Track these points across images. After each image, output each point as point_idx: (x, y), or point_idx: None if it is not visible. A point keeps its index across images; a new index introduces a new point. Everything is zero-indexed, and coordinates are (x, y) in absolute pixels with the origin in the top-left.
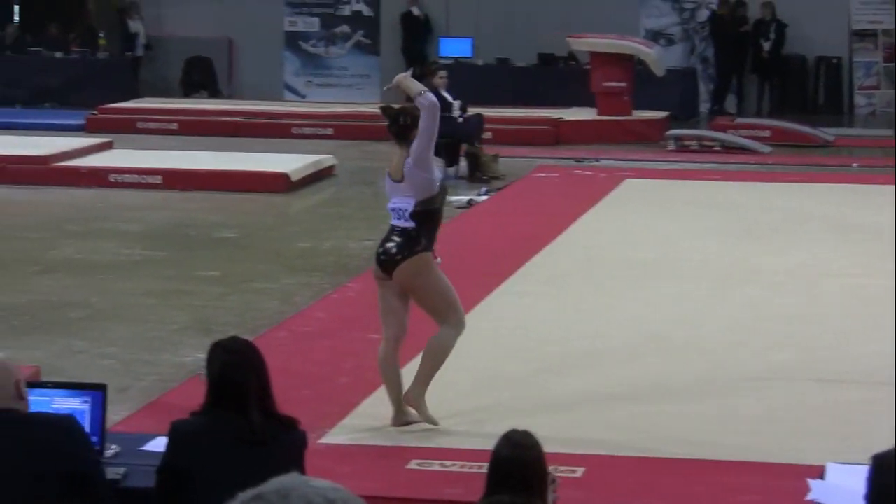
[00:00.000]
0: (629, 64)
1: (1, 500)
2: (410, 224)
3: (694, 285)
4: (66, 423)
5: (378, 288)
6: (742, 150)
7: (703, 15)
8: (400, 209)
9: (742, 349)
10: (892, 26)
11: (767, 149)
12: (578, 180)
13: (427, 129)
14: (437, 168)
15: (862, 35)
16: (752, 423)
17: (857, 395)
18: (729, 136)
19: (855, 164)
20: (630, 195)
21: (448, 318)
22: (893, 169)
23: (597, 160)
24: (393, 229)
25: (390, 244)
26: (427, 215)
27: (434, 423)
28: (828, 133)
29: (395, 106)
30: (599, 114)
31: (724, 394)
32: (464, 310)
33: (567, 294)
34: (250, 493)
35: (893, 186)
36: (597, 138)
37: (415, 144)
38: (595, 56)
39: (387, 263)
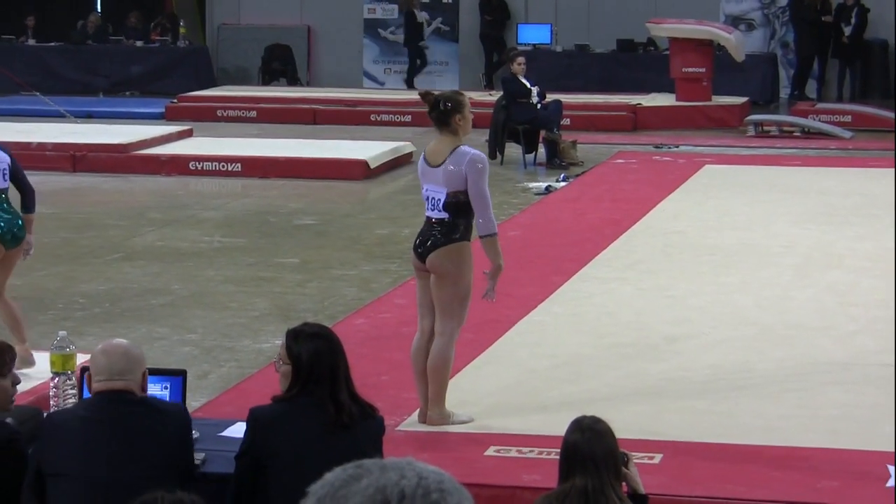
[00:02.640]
0: (708, 49)
1: (115, 480)
2: (445, 215)
3: (777, 271)
4: (179, 411)
5: (416, 279)
6: (823, 135)
7: (784, 0)
8: (434, 199)
9: (826, 335)
10: None
11: (849, 134)
12: (657, 166)
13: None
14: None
15: None
16: (835, 409)
17: None
18: (810, 122)
19: None
20: (709, 181)
21: (450, 321)
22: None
23: (676, 146)
24: (429, 220)
25: (422, 235)
26: (460, 206)
27: (469, 419)
28: None
29: (435, 91)
30: (678, 99)
31: (807, 379)
32: (541, 297)
33: (647, 280)
34: (353, 463)
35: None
36: (676, 124)
37: (476, 197)
38: (674, 41)
39: (422, 253)
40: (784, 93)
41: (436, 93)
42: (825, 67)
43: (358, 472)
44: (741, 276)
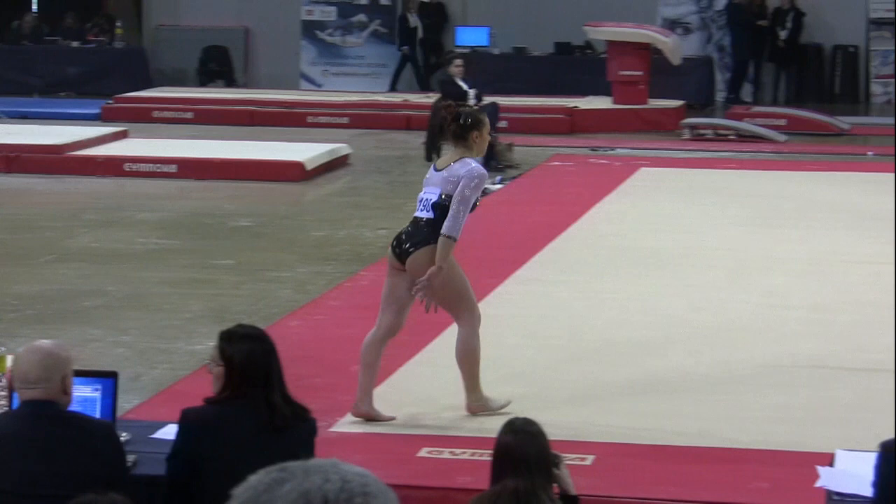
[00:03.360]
0: (646, 52)
1: (31, 491)
2: (430, 214)
3: (712, 274)
4: (105, 430)
5: (387, 276)
6: (758, 138)
7: (721, 3)
8: (426, 199)
9: (762, 337)
10: None
11: (783, 137)
12: (593, 169)
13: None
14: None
15: (879, 23)
16: (768, 411)
17: (874, 384)
18: (745, 125)
19: (870, 153)
20: (645, 184)
21: (461, 313)
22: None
23: (612, 149)
24: (416, 221)
25: (405, 234)
26: (447, 209)
27: (507, 403)
28: (844, 122)
29: (462, 109)
30: (615, 102)
31: (742, 381)
32: (477, 299)
33: (582, 282)
34: (277, 466)
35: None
36: (612, 127)
37: (456, 199)
38: (612, 45)
39: (401, 253)
40: (720, 96)
41: (459, 108)
42: (761, 71)
43: (281, 476)
44: (677, 279)
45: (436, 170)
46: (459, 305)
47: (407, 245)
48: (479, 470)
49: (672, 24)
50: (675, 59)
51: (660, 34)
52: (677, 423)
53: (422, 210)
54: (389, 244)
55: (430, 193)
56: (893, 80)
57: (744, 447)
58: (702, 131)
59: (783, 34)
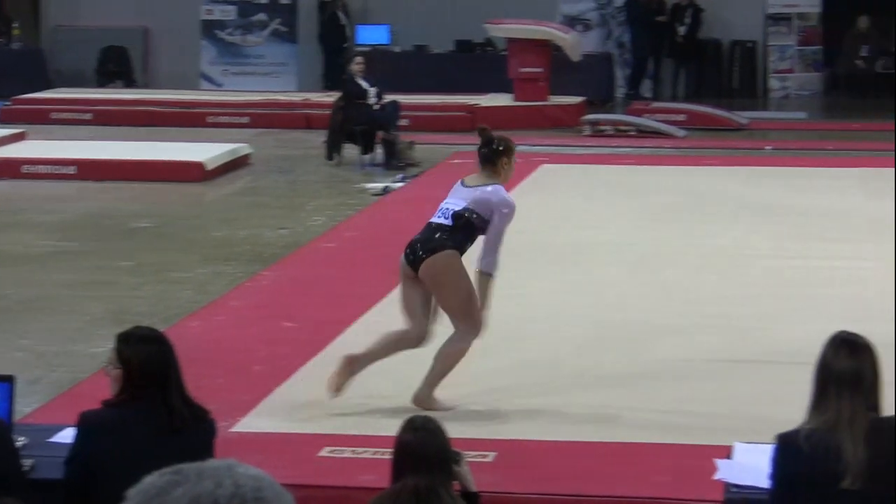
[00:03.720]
0: (546, 49)
1: None
2: (448, 222)
3: (614, 269)
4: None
5: (402, 285)
6: (657, 134)
7: (620, 0)
8: (449, 209)
9: (664, 331)
10: (807, 10)
11: (682, 133)
12: None
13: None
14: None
15: (777, 19)
16: (669, 405)
17: (772, 376)
18: (644, 121)
19: (768, 147)
20: (546, 180)
21: (465, 321)
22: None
23: None
24: (429, 225)
25: (418, 242)
26: (466, 223)
27: (452, 407)
28: (742, 116)
29: (492, 131)
30: (516, 99)
31: (643, 376)
32: (378, 299)
33: None
34: (171, 468)
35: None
36: (513, 124)
37: (494, 235)
38: (512, 42)
39: (414, 260)
40: (620, 92)
41: (491, 132)
42: (660, 67)
43: (175, 479)
44: (580, 275)
45: (463, 185)
46: (463, 313)
47: (421, 252)
48: (381, 468)
49: (572, 21)
50: (575, 56)
51: (559, 31)
52: (578, 419)
53: (440, 216)
54: (402, 253)
55: (454, 203)
56: (790, 74)
57: (644, 441)
58: (602, 127)
59: (682, 30)
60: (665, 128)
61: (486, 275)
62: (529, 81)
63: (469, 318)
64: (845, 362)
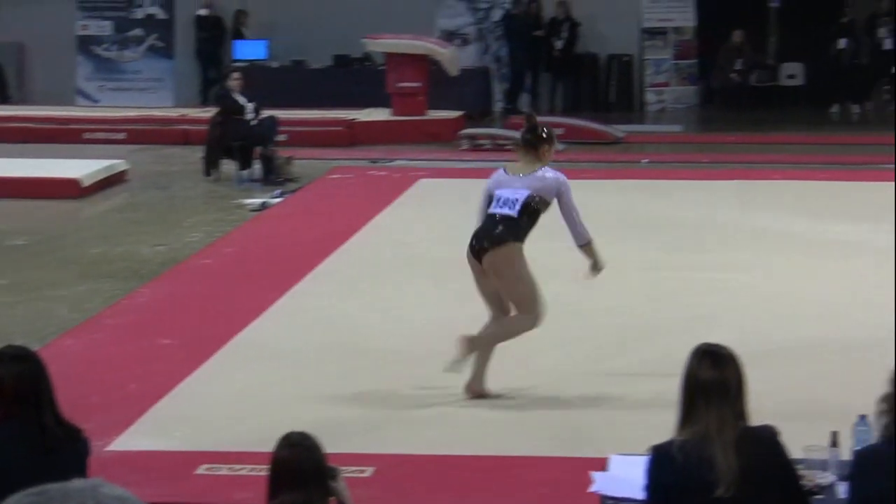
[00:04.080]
0: (424, 64)
1: None
2: (514, 212)
3: None
4: None
5: (474, 275)
6: None
7: (497, 15)
8: (509, 199)
9: (538, 345)
10: (682, 24)
11: (560, 146)
12: (372, 181)
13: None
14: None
15: (652, 33)
16: (544, 419)
17: (645, 388)
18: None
19: (645, 160)
20: (424, 195)
21: (529, 310)
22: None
23: (391, 160)
24: (492, 217)
25: (481, 232)
26: (533, 211)
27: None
28: (619, 130)
29: (537, 122)
30: (394, 114)
31: (519, 390)
32: (254, 316)
33: (363, 293)
34: (36, 489)
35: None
36: (392, 138)
37: (568, 205)
38: (390, 56)
39: (479, 250)
40: (498, 106)
41: (537, 119)
42: (538, 81)
43: (38, 501)
44: (458, 289)
45: (511, 174)
46: (530, 302)
47: (485, 244)
48: (258, 485)
49: (450, 36)
50: (453, 70)
51: (437, 46)
52: (457, 432)
53: (502, 207)
54: (468, 246)
55: (515, 193)
56: (666, 88)
57: (522, 454)
58: (480, 141)
59: (559, 44)
60: None
61: (586, 244)
62: (407, 96)
63: (531, 308)
64: (710, 373)
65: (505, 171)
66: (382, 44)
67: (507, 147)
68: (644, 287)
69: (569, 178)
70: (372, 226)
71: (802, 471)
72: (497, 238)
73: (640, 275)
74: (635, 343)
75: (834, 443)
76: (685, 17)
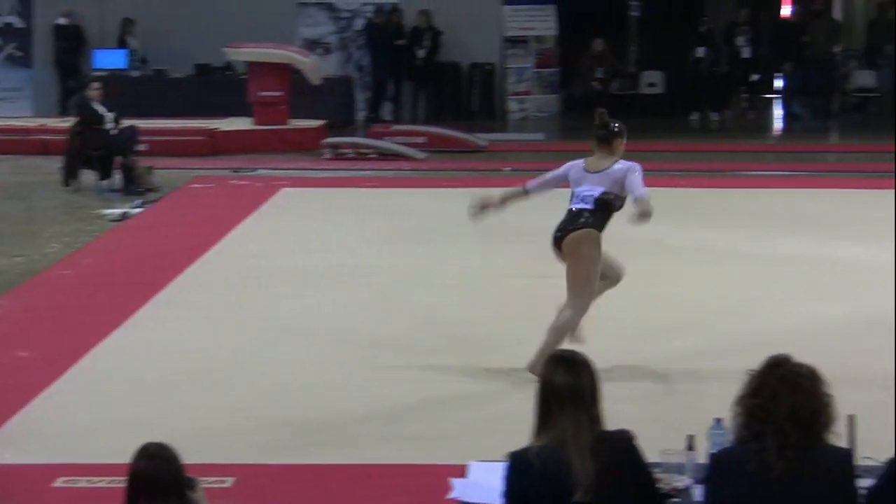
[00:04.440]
0: (285, 73)
1: None
2: (591, 206)
3: (360, 292)
4: None
5: (562, 262)
6: (398, 156)
7: (360, 23)
8: (585, 196)
9: (408, 353)
10: (544, 33)
11: (423, 155)
12: (234, 191)
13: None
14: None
15: (514, 41)
16: (409, 425)
17: (507, 395)
18: (384, 143)
19: (507, 168)
20: (286, 204)
21: (582, 295)
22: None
23: (253, 170)
24: (571, 211)
25: (564, 223)
26: (606, 204)
27: None
28: (481, 138)
29: (608, 119)
30: (257, 123)
31: (386, 397)
32: (115, 325)
33: (225, 303)
34: None
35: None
36: (254, 148)
37: (641, 187)
38: (252, 66)
39: (560, 238)
40: (361, 115)
41: (608, 117)
42: (400, 90)
43: None
44: (322, 298)
45: (587, 170)
46: (583, 286)
47: (570, 228)
48: (115, 498)
49: (312, 45)
50: (315, 79)
51: (299, 54)
52: (319, 441)
53: (580, 202)
54: (552, 239)
55: (590, 190)
56: (528, 96)
57: (383, 462)
58: (343, 150)
59: (421, 53)
60: (405, 150)
61: (644, 200)
62: (269, 105)
63: (585, 293)
64: (564, 379)
65: (584, 164)
66: (244, 53)
67: (370, 156)
68: (512, 295)
69: (432, 186)
70: (233, 236)
71: (659, 474)
72: (579, 225)
73: (506, 282)
74: (506, 349)
75: (690, 446)
76: (546, 26)
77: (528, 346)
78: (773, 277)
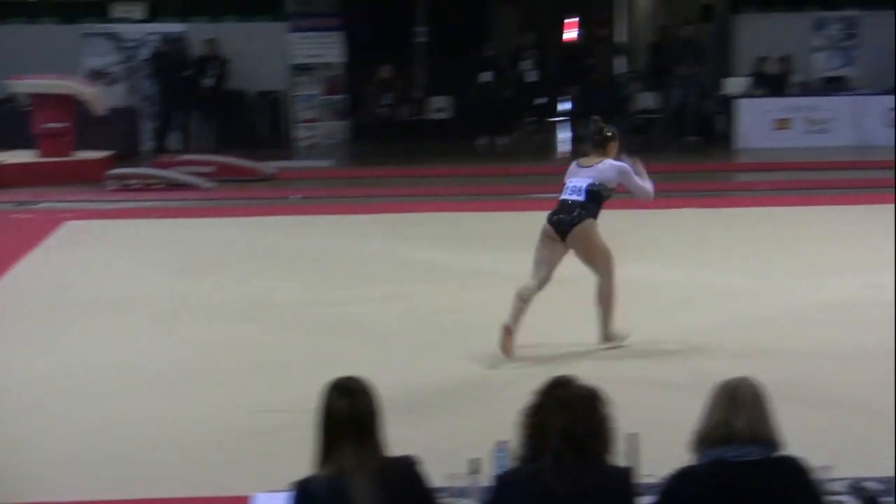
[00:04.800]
0: (69, 104)
1: None
2: (582, 198)
3: (142, 322)
4: None
5: (542, 243)
6: (185, 186)
7: (145, 53)
8: (578, 187)
9: (194, 386)
10: (331, 60)
11: (210, 184)
12: (16, 224)
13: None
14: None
15: (301, 69)
16: (197, 456)
17: (298, 424)
18: (170, 174)
19: (296, 196)
20: (72, 237)
21: (606, 266)
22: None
23: (37, 203)
24: (563, 202)
25: (563, 214)
26: (597, 195)
27: (626, 336)
28: (270, 166)
29: (603, 125)
30: (41, 155)
31: (173, 426)
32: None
33: (7, 337)
34: None
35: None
36: (38, 181)
37: (631, 177)
38: (36, 97)
39: (561, 227)
40: (147, 145)
41: (603, 123)
42: (188, 119)
43: None
44: (108, 329)
45: (580, 166)
46: (604, 262)
47: (567, 221)
48: None
49: (98, 75)
50: (99, 110)
51: (82, 85)
52: (103, 474)
53: (572, 194)
54: (547, 222)
55: (581, 181)
56: (317, 123)
57: (171, 497)
58: (129, 181)
59: (208, 82)
60: (192, 180)
61: (651, 190)
62: (53, 136)
63: (608, 264)
64: (343, 406)
65: (578, 162)
66: (26, 84)
67: (158, 186)
68: (299, 322)
69: (218, 216)
70: (15, 271)
71: (445, 499)
72: (578, 218)
73: (293, 310)
74: (294, 378)
75: (474, 470)
76: (333, 53)
77: (307, 374)
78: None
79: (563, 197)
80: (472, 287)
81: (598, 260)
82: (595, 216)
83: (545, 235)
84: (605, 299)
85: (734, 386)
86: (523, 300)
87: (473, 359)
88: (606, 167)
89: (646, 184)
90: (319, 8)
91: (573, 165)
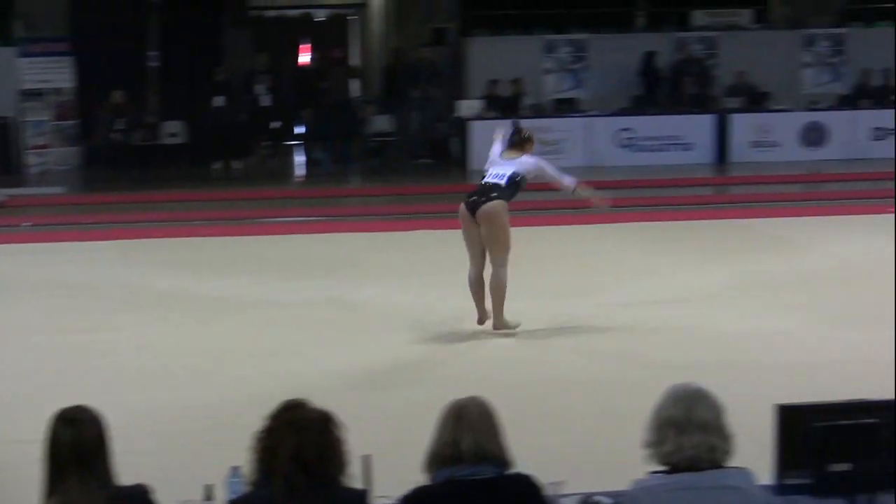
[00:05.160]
0: None
1: None
2: (503, 182)
3: None
4: None
5: (464, 229)
6: None
7: None
8: (500, 174)
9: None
10: (61, 85)
11: None
12: None
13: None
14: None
15: (30, 94)
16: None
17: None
18: None
19: (26, 224)
20: None
21: (499, 254)
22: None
23: None
24: (485, 185)
25: (476, 195)
26: (516, 184)
27: (517, 325)
28: (0, 194)
29: (522, 127)
30: None
31: None
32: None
33: None
34: None
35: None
36: None
37: (549, 170)
38: None
39: (474, 205)
40: None
41: (521, 126)
42: None
43: None
44: None
45: (503, 158)
46: (501, 247)
47: (484, 199)
48: None
49: None
50: None
51: None
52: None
53: (494, 177)
54: (463, 203)
55: (503, 169)
56: (48, 150)
57: None
58: None
59: None
60: None
61: (576, 188)
62: None
63: (505, 252)
64: (67, 436)
65: (501, 156)
66: None
67: None
68: (38, 352)
69: None
70: None
71: None
72: (492, 196)
73: (32, 339)
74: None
75: (208, 496)
76: (63, 78)
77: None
78: (288, 323)
79: (484, 181)
80: (214, 313)
81: (499, 245)
82: (507, 199)
83: (462, 218)
84: (498, 288)
85: (461, 406)
86: (474, 290)
87: (213, 384)
88: (528, 160)
89: (563, 176)
90: (48, 33)
91: (496, 153)
